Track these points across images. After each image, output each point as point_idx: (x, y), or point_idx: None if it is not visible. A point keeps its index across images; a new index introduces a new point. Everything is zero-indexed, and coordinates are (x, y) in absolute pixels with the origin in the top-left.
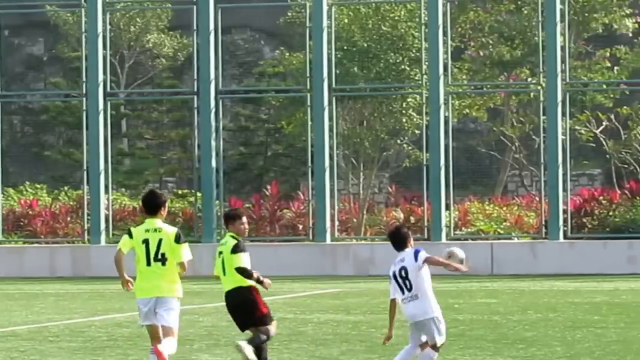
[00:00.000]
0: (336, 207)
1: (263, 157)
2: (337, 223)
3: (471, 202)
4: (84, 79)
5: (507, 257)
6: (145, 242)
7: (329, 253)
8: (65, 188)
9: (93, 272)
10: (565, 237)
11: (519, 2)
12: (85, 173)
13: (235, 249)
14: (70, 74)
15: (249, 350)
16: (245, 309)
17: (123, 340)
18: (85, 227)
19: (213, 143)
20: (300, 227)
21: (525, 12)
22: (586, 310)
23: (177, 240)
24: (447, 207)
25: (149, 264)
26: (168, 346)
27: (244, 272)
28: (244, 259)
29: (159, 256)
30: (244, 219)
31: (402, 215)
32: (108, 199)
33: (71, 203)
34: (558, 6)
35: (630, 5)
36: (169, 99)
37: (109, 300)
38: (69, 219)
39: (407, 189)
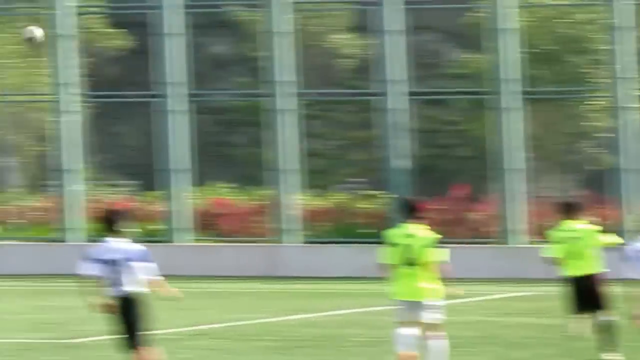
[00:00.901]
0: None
1: (448, 159)
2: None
3: None
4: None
5: None
6: (400, 245)
7: (522, 255)
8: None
9: (281, 272)
10: None
11: None
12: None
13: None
14: (256, 74)
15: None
16: (598, 295)
17: (313, 340)
18: (282, 228)
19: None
20: (488, 229)
21: None
22: None
23: (432, 245)
24: None
25: (403, 266)
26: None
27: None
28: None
29: (411, 261)
30: None
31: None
32: (296, 200)
33: (260, 203)
34: None
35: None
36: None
37: (296, 299)
38: (259, 218)
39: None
